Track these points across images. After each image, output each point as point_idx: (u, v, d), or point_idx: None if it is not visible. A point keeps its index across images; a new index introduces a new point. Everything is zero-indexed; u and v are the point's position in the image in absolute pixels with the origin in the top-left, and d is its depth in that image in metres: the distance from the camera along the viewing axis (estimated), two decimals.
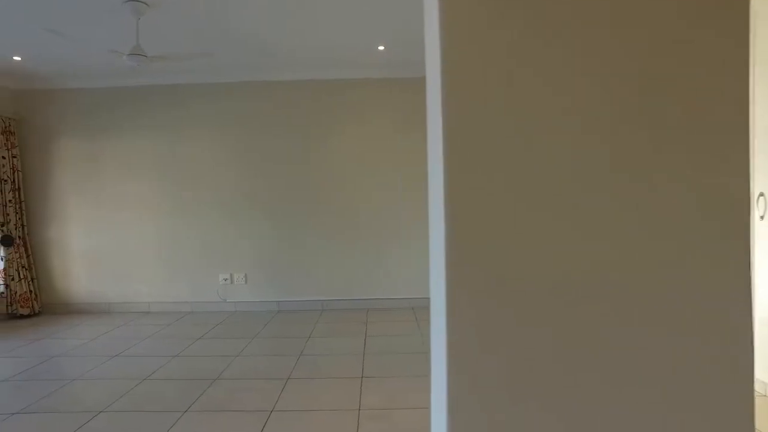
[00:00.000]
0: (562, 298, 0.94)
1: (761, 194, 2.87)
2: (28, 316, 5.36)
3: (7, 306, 5.25)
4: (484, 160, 0.96)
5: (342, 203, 5.40)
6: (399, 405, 2.85)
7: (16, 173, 5.37)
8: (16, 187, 5.37)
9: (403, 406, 2.83)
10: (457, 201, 0.97)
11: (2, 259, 5.28)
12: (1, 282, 5.29)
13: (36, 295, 5.45)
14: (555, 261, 0.96)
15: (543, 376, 0.96)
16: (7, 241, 5.26)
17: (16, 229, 5.34)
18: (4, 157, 5.26)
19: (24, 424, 2.73)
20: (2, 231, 5.24)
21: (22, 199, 5.43)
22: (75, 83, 5.44)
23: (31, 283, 5.41)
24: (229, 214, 5.46)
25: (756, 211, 2.92)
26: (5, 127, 5.28)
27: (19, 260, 5.33)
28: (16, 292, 5.28)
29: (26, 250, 5.42)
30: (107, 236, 5.53)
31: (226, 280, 5.49)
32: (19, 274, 5.32)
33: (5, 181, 5.26)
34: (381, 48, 4.70)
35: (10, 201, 5.29)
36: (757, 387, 2.82)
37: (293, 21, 3.94)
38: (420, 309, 5.29)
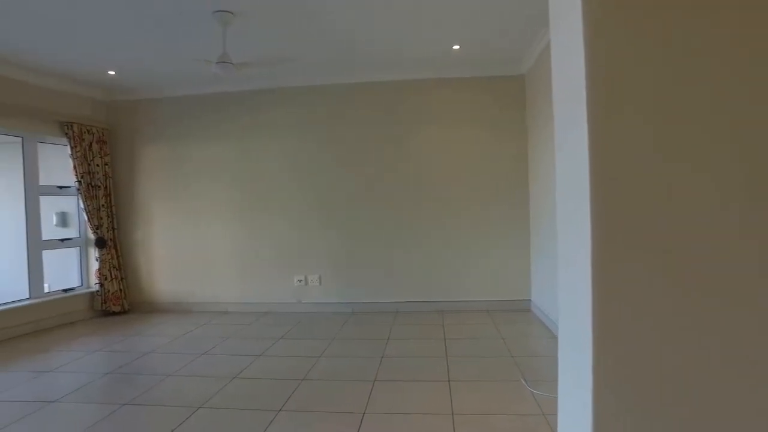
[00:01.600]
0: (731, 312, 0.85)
1: None
2: (119, 313, 5.68)
3: (101, 303, 5.58)
4: (635, 166, 0.90)
5: (417, 205, 5.37)
6: (495, 411, 2.76)
7: (108, 179, 5.71)
8: (108, 192, 5.71)
9: (500, 412, 2.73)
10: (605, 205, 0.92)
11: (97, 260, 5.62)
12: (96, 281, 5.62)
13: (125, 294, 5.76)
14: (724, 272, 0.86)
15: (705, 395, 0.87)
16: (101, 243, 5.60)
17: (107, 231, 5.67)
18: (98, 165, 5.60)
19: (133, 415, 2.86)
20: (97, 234, 5.58)
21: (113, 203, 5.77)
22: (161, 93, 5.73)
23: (120, 282, 5.73)
24: (305, 216, 5.55)
25: None
26: (99, 137, 5.63)
27: (110, 261, 5.66)
28: (108, 291, 5.61)
29: (116, 251, 5.75)
30: (188, 239, 5.76)
31: (300, 281, 5.58)
32: (110, 273, 5.64)
33: (99, 187, 5.60)
34: (456, 47, 4.62)
35: (103, 206, 5.63)
36: None
37: (374, 23, 3.95)
38: (495, 312, 5.16)
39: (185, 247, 5.77)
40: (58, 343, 4.56)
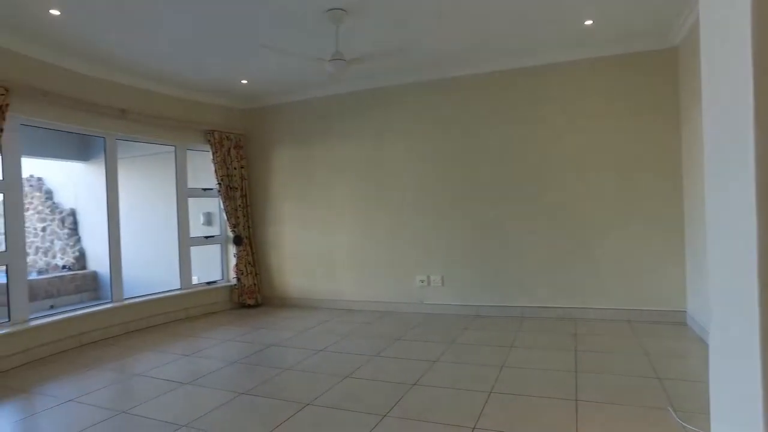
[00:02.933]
0: None
1: None
2: (253, 306, 6.08)
3: (238, 296, 6.03)
4: None
5: (549, 202, 4.89)
6: None
7: (243, 181, 6.16)
8: (244, 193, 6.16)
9: None
10: None
11: (235, 256, 6.09)
12: (234, 275, 6.09)
13: (259, 288, 6.15)
14: None
15: None
16: (238, 241, 6.05)
17: (244, 230, 6.11)
18: (235, 168, 6.07)
19: (247, 405, 2.95)
20: (234, 232, 6.04)
21: (248, 204, 6.20)
22: (288, 97, 6.03)
23: (255, 277, 6.13)
24: (428, 214, 5.40)
25: None
26: (237, 142, 6.10)
27: (246, 257, 6.09)
28: (244, 285, 6.04)
29: (251, 248, 6.17)
30: (315, 237, 5.96)
31: (422, 282, 5.43)
32: (246, 269, 6.07)
33: (236, 188, 6.06)
34: (588, 23, 4.09)
35: (239, 206, 6.08)
36: None
37: (496, 2, 3.64)
38: (639, 323, 4.48)
39: (312, 245, 5.98)
40: (200, 330, 4.99)
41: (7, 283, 4.05)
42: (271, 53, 4.29)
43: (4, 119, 3.75)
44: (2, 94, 3.72)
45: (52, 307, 6.06)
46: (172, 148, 5.73)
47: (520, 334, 4.35)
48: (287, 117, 6.12)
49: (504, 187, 5.04)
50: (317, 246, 5.95)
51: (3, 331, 3.86)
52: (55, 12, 3.52)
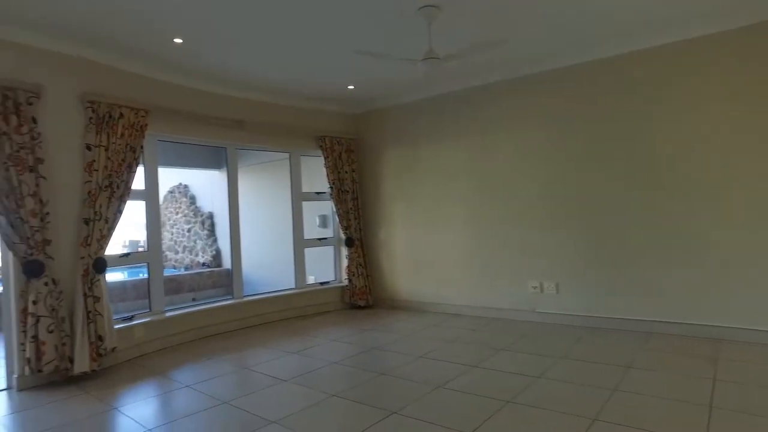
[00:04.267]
0: None
1: None
2: (364, 307, 6.20)
3: (349, 297, 6.20)
4: None
5: (680, 200, 4.23)
6: None
7: (354, 184, 6.31)
8: (355, 196, 6.31)
9: None
10: None
11: (347, 258, 6.27)
12: (346, 276, 6.27)
13: (370, 290, 6.26)
14: None
15: None
16: (350, 243, 6.21)
17: (355, 232, 6.26)
18: (346, 172, 6.25)
19: (334, 408, 2.97)
20: (346, 234, 6.22)
21: (360, 206, 6.34)
22: (394, 100, 6.05)
23: (366, 279, 6.25)
24: (542, 216, 5.02)
25: None
26: (348, 146, 6.28)
27: (357, 259, 6.23)
28: (355, 286, 6.18)
29: (362, 250, 6.30)
30: (424, 239, 5.89)
31: (535, 288, 5.06)
32: (357, 270, 6.21)
33: (347, 191, 6.23)
34: None
35: (351, 209, 6.24)
36: None
37: None
38: None
39: (422, 247, 5.92)
40: (311, 329, 5.21)
41: (148, 279, 4.62)
42: (366, 58, 4.31)
43: (143, 137, 4.28)
44: (143, 116, 4.25)
45: (193, 299, 6.80)
46: (287, 155, 6.08)
47: (642, 352, 3.81)
48: (395, 119, 6.14)
49: (628, 186, 4.46)
50: (426, 248, 5.88)
51: (145, 320, 4.42)
52: (178, 40, 3.92)
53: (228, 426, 2.82)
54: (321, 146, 6.07)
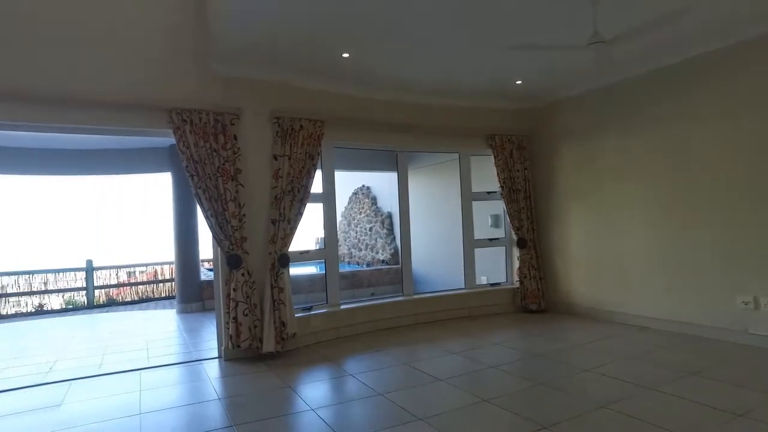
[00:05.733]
0: None
1: None
2: (536, 311, 5.87)
3: (521, 300, 5.95)
4: None
5: None
6: None
7: (527, 183, 6.03)
8: (527, 195, 6.02)
9: None
10: None
11: (518, 259, 6.03)
12: (517, 278, 6.04)
13: (542, 293, 5.91)
14: None
15: None
16: (521, 243, 5.96)
17: (527, 232, 5.98)
18: (518, 170, 6.00)
19: (483, 413, 2.90)
20: (518, 234, 5.98)
21: (532, 206, 6.03)
22: (566, 92, 5.59)
23: (539, 282, 5.91)
24: (753, 217, 4.12)
25: None
26: (519, 144, 6.03)
27: (530, 260, 5.94)
28: (527, 289, 5.90)
29: (535, 251, 5.98)
30: (605, 241, 5.32)
31: (747, 303, 4.15)
32: (529, 272, 5.92)
33: (519, 190, 5.99)
34: None
35: (523, 208, 5.98)
36: None
37: None
38: None
39: (601, 250, 5.36)
40: (477, 330, 5.16)
41: (325, 274, 5.14)
42: (533, 51, 4.08)
43: (320, 145, 4.77)
44: (319, 127, 4.75)
45: (372, 294, 7.33)
46: (457, 156, 6.10)
47: None
48: (568, 112, 5.68)
49: None
50: (607, 251, 5.30)
51: (322, 311, 4.94)
52: (345, 54, 4.27)
53: (376, 416, 2.99)
54: (491, 145, 5.95)
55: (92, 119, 3.91)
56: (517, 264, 6.06)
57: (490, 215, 6.74)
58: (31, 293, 8.67)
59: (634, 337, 4.59)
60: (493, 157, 5.97)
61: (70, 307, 8.81)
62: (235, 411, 3.16)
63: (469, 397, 3.22)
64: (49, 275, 8.89)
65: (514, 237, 6.06)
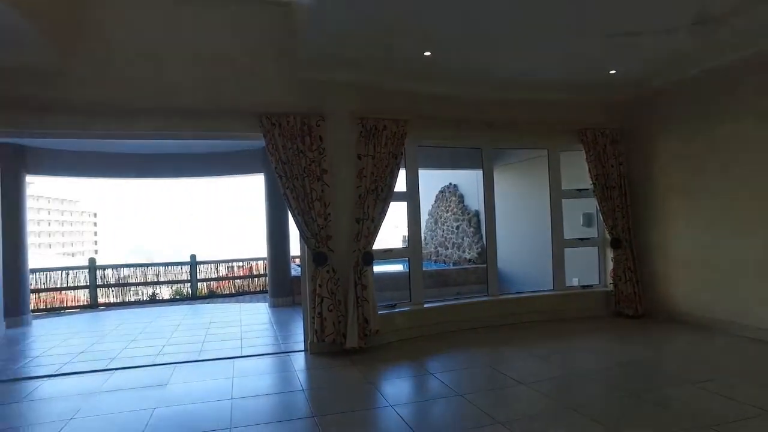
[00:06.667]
0: None
1: None
2: (632, 317, 5.46)
3: (615, 304, 5.57)
4: None
5: None
6: None
7: (622, 179, 5.63)
8: (623, 192, 5.62)
9: None
10: None
11: (612, 260, 5.66)
12: (611, 281, 5.66)
13: (639, 298, 5.49)
14: None
15: None
16: (616, 244, 5.58)
17: (623, 232, 5.59)
18: (612, 166, 5.63)
19: (568, 422, 2.78)
20: (612, 234, 5.60)
21: (628, 203, 5.63)
22: (667, 79, 5.11)
23: (635, 285, 5.50)
24: None
25: None
26: (612, 138, 5.65)
27: (625, 262, 5.55)
28: (622, 292, 5.52)
29: (631, 252, 5.57)
30: (714, 242, 4.82)
31: None
32: (625, 275, 5.53)
33: (613, 187, 5.61)
34: None
35: (617, 206, 5.60)
36: None
37: None
38: None
39: (710, 252, 4.87)
40: (565, 334, 4.93)
41: (409, 272, 5.17)
42: (627, 38, 3.80)
43: (403, 144, 4.80)
44: (402, 126, 4.78)
45: (458, 293, 7.23)
46: (545, 152, 5.85)
47: None
48: (667, 102, 5.22)
49: None
50: (716, 253, 4.79)
51: (406, 309, 4.97)
52: (427, 53, 4.27)
53: (454, 417, 2.97)
54: (582, 140, 5.63)
55: (192, 126, 4.35)
56: (610, 265, 5.69)
57: (582, 214, 6.39)
58: (146, 284, 9.63)
59: (749, 350, 4.13)
60: (584, 152, 5.65)
61: (177, 297, 9.66)
62: (317, 402, 3.28)
63: (552, 404, 3.10)
64: (161, 268, 9.81)
65: (608, 236, 5.69)
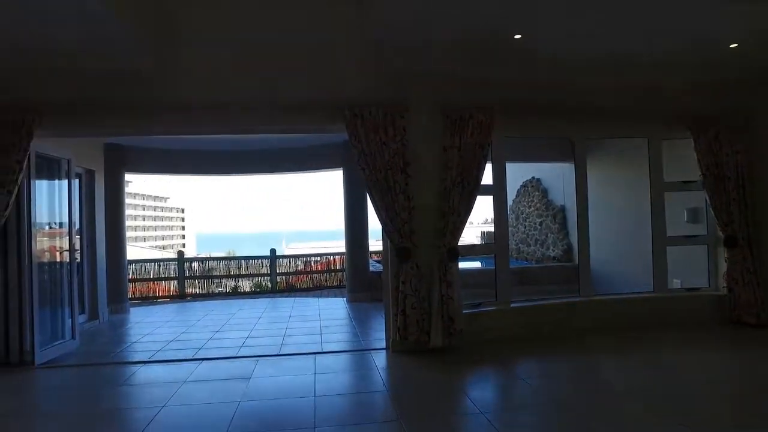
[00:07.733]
0: None
1: None
2: (754, 325, 4.82)
3: (730, 310, 4.96)
4: None
5: None
6: None
7: (739, 169, 4.99)
8: (740, 184, 4.99)
9: None
10: None
11: (726, 261, 5.04)
12: (725, 284, 5.04)
13: (762, 304, 4.84)
14: None
15: None
16: (731, 242, 4.96)
17: (740, 229, 4.96)
18: (727, 155, 5.01)
19: None
20: (726, 231, 4.99)
21: (746, 196, 4.98)
22: None
23: (756, 289, 4.86)
24: None
25: None
26: (727, 123, 5.01)
27: (743, 263, 4.92)
28: (739, 297, 4.90)
29: (751, 251, 4.93)
30: None
31: None
32: (742, 278, 4.91)
33: (728, 178, 4.99)
34: None
35: (733, 200, 4.97)
36: None
37: None
38: None
39: None
40: (669, 342, 4.47)
41: (495, 270, 4.89)
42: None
43: (490, 135, 4.54)
44: (488, 115, 4.50)
45: (548, 292, 6.81)
46: (645, 141, 5.32)
47: None
48: None
49: None
50: None
51: (491, 308, 4.72)
52: (517, 36, 3.98)
53: (548, 427, 2.70)
54: (690, 127, 5.05)
55: (281, 120, 4.47)
56: (724, 266, 5.07)
57: (686, 209, 5.77)
58: (229, 276, 10.00)
59: None
60: (692, 140, 5.07)
61: (258, 290, 9.94)
62: (402, 404, 3.13)
63: (656, 419, 2.73)
64: (242, 261, 10.15)
65: (721, 234, 5.07)
